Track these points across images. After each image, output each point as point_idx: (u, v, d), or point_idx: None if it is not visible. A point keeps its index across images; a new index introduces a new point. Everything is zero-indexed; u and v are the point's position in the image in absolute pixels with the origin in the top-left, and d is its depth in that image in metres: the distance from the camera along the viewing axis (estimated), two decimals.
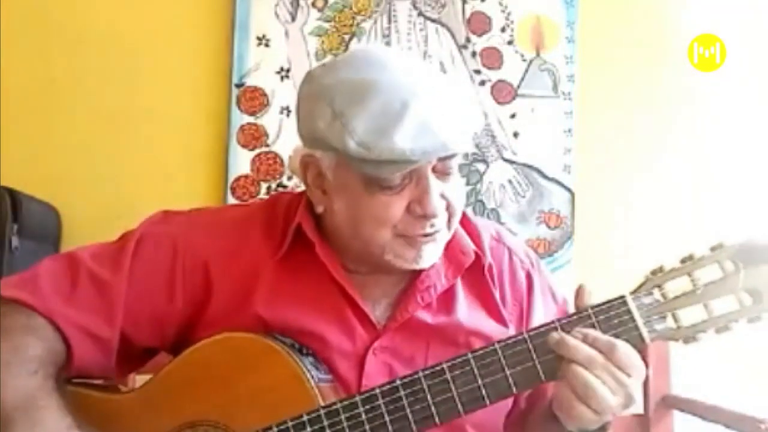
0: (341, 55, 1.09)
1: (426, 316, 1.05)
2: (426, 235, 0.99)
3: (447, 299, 1.07)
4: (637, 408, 1.77)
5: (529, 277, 1.13)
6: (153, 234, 1.06)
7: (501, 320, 1.08)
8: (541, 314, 1.12)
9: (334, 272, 1.03)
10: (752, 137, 2.15)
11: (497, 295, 1.09)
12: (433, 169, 0.97)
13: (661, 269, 0.94)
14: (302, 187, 1.07)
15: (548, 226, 2.08)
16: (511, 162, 2.08)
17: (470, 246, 1.08)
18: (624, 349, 0.89)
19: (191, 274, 1.04)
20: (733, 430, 1.52)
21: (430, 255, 1.01)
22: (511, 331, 1.07)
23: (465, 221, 1.11)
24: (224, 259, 1.04)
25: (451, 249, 1.07)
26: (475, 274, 1.09)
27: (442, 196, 0.98)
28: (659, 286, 0.93)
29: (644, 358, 0.92)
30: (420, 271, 1.05)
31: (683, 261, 0.93)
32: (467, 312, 1.07)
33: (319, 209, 1.03)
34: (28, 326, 0.96)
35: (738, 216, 2.11)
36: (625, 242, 2.09)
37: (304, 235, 1.04)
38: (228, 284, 1.03)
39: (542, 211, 2.08)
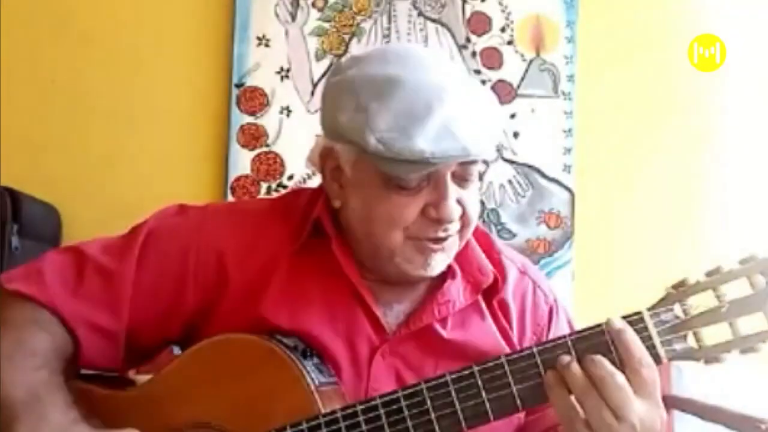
0: (373, 48, 1.06)
1: (441, 330, 1.03)
2: (438, 240, 0.97)
3: (465, 317, 1.05)
4: None
5: (551, 311, 1.11)
6: (165, 227, 1.04)
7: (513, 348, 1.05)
8: None
9: (348, 270, 1.01)
10: (752, 137, 2.15)
11: (515, 325, 1.07)
12: (453, 174, 0.96)
13: (683, 283, 0.86)
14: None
15: (548, 226, 2.08)
16: (511, 162, 2.08)
17: (489, 267, 1.06)
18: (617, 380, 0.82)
19: (204, 269, 1.01)
20: (733, 430, 1.52)
21: (439, 263, 0.99)
22: None
23: (488, 243, 1.10)
24: (242, 252, 1.02)
25: (468, 267, 1.05)
26: (496, 300, 1.07)
27: (459, 202, 0.97)
28: (681, 302, 0.85)
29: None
30: (440, 284, 1.03)
31: (709, 274, 0.85)
32: (483, 335, 1.04)
33: (336, 204, 1.01)
34: (35, 320, 0.95)
35: (739, 216, 2.11)
36: (625, 242, 2.09)
37: (322, 231, 1.02)
38: (245, 278, 1.01)
39: (542, 211, 2.08)
